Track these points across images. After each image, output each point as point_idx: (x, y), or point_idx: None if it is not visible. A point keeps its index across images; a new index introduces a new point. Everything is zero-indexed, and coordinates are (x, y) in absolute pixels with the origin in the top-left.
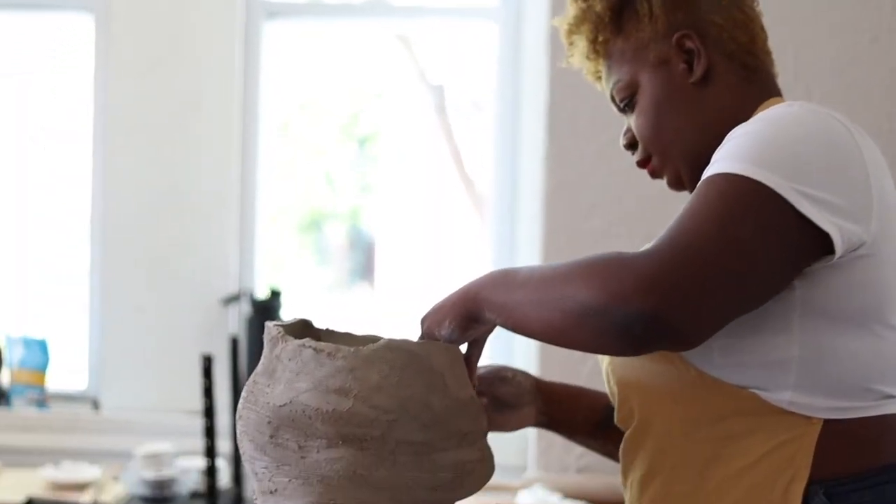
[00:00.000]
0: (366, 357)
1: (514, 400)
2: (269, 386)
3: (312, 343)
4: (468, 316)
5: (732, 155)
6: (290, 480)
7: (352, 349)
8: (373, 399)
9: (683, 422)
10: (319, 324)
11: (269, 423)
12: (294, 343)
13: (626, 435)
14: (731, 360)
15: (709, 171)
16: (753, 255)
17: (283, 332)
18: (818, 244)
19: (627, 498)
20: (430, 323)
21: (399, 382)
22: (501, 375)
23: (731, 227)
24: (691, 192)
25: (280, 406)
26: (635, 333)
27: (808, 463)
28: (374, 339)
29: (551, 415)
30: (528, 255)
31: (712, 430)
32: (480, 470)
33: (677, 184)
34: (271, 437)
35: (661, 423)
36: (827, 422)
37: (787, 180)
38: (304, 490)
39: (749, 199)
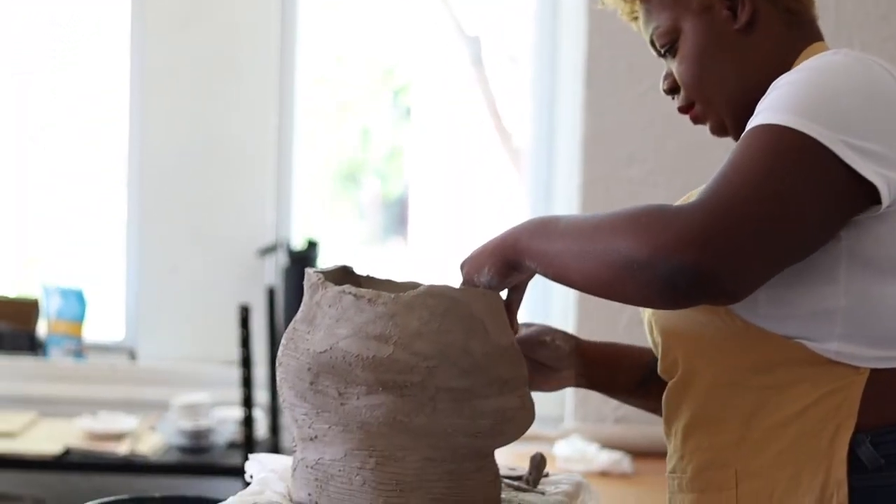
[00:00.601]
0: (406, 303)
1: (553, 363)
2: (309, 332)
3: (352, 289)
4: (507, 263)
5: (777, 105)
6: (329, 427)
7: (392, 295)
8: (413, 345)
9: (728, 372)
10: (359, 270)
11: (308, 369)
12: (334, 289)
13: (669, 385)
14: (777, 310)
15: (753, 122)
16: (798, 207)
17: (322, 279)
18: (864, 194)
19: (670, 447)
20: (470, 269)
21: (439, 328)
22: (541, 339)
23: (776, 180)
24: (735, 139)
25: (320, 352)
26: (679, 288)
27: (855, 412)
28: (414, 286)
29: (591, 377)
30: (566, 206)
31: (758, 379)
32: (521, 417)
33: (721, 130)
34: (311, 383)
35: (706, 374)
36: (873, 371)
37: (832, 130)
38: (344, 436)
39: (793, 150)
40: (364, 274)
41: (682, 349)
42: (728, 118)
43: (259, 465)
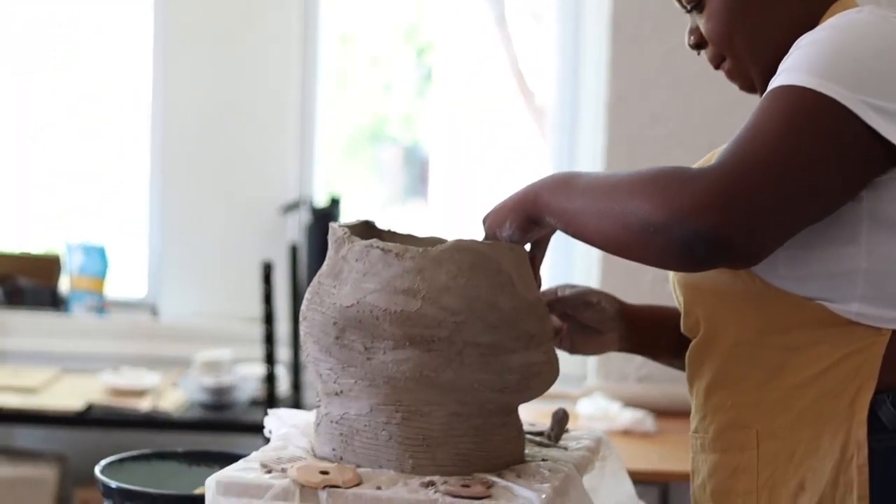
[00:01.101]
0: (434, 257)
1: (598, 325)
2: (335, 287)
3: (380, 243)
4: (528, 218)
5: (797, 66)
6: (355, 382)
7: (420, 249)
8: (441, 300)
9: (749, 332)
10: (381, 225)
11: (334, 323)
12: (361, 243)
13: (692, 344)
14: (797, 271)
15: (774, 83)
16: (816, 168)
17: (348, 233)
18: (885, 155)
19: (693, 407)
20: (492, 223)
21: (467, 283)
22: (586, 300)
23: (794, 142)
24: (762, 96)
25: (347, 307)
26: (696, 251)
27: (875, 373)
28: (436, 241)
29: (634, 339)
30: (589, 166)
31: (778, 340)
32: (547, 372)
33: (749, 88)
34: (337, 338)
35: (727, 334)
36: (895, 332)
37: (852, 91)
38: (370, 391)
39: (813, 112)
40: (385, 228)
41: (703, 308)
42: (756, 75)
43: (278, 421)
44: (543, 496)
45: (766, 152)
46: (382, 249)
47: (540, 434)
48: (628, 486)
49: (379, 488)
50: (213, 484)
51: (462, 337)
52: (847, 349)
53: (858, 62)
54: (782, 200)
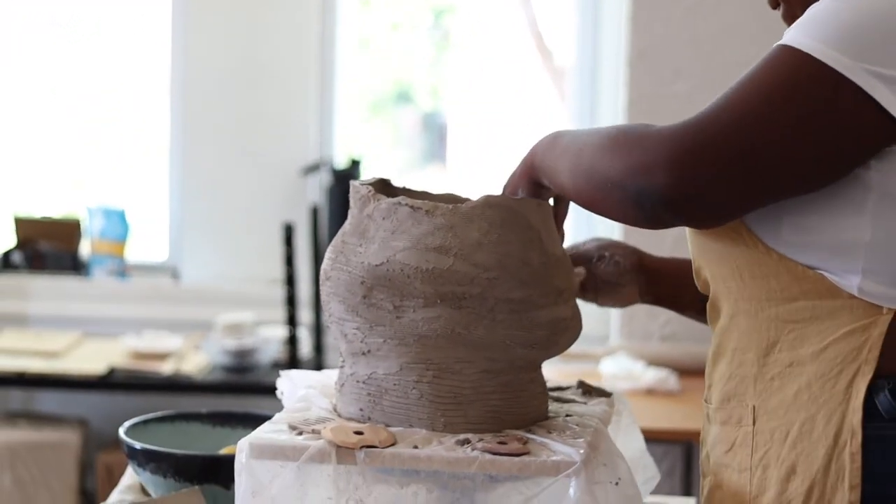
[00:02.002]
0: (465, 214)
1: (614, 279)
2: (360, 245)
3: (408, 200)
4: (533, 182)
5: (804, 26)
6: (384, 341)
7: (450, 206)
8: (473, 257)
9: (748, 299)
10: (397, 183)
11: (362, 283)
12: (388, 201)
13: (707, 303)
14: (800, 237)
15: (782, 40)
16: (792, 138)
17: (373, 191)
18: (889, 127)
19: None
20: (508, 192)
21: (499, 239)
22: (600, 254)
23: (772, 108)
24: None
25: (376, 265)
26: (646, 208)
27: (875, 356)
28: (451, 198)
29: (656, 293)
30: (610, 124)
31: (777, 311)
32: (573, 328)
33: (788, 19)
34: (364, 297)
35: (728, 298)
36: None
37: (856, 59)
38: (400, 350)
39: (805, 79)
40: (400, 186)
41: (708, 269)
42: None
43: (290, 383)
44: (581, 451)
45: (735, 115)
46: (411, 207)
47: (557, 390)
48: (640, 442)
49: (416, 447)
50: (245, 447)
51: (494, 293)
52: (847, 327)
53: (872, 27)
54: (740, 165)
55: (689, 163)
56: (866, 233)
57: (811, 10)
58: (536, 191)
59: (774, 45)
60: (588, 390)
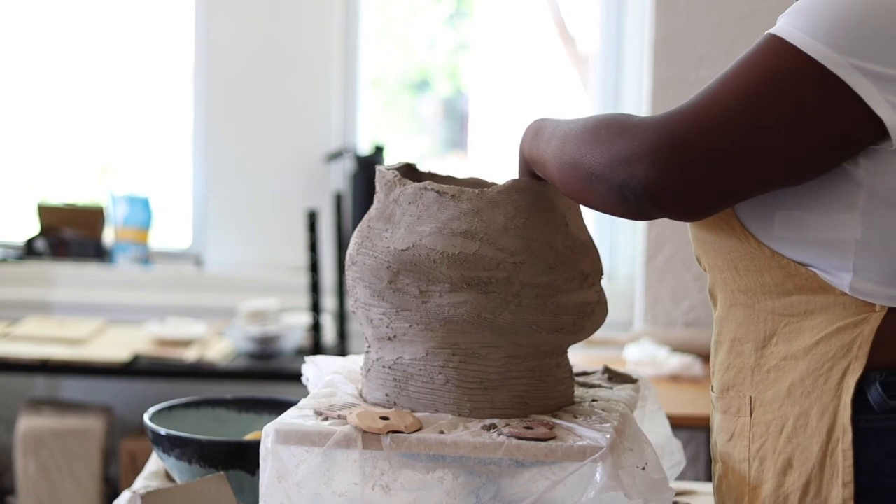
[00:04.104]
0: (491, 198)
1: None
2: (387, 230)
3: (434, 185)
4: (530, 173)
5: (794, 15)
6: (410, 326)
7: (476, 191)
8: (499, 241)
9: (744, 292)
10: (421, 167)
11: (388, 267)
12: (414, 186)
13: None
14: (791, 233)
15: (773, 28)
16: (774, 132)
17: (398, 175)
18: (876, 125)
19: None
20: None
21: (525, 223)
22: None
23: (762, 101)
24: None
25: (402, 250)
26: (629, 201)
27: (866, 351)
28: (476, 182)
29: None
30: (635, 110)
31: (773, 304)
32: (599, 312)
33: None
34: (390, 282)
35: (725, 289)
36: (890, 310)
37: (843, 54)
38: (426, 335)
39: (789, 72)
40: (426, 171)
41: (706, 259)
42: None
43: (316, 369)
44: (608, 436)
45: (720, 107)
46: (437, 191)
47: (582, 375)
48: (666, 427)
49: (442, 432)
50: (271, 432)
51: (520, 278)
52: (840, 322)
53: (862, 20)
54: (724, 158)
55: (672, 156)
56: (857, 231)
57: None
58: (535, 178)
59: (766, 32)
60: (613, 376)
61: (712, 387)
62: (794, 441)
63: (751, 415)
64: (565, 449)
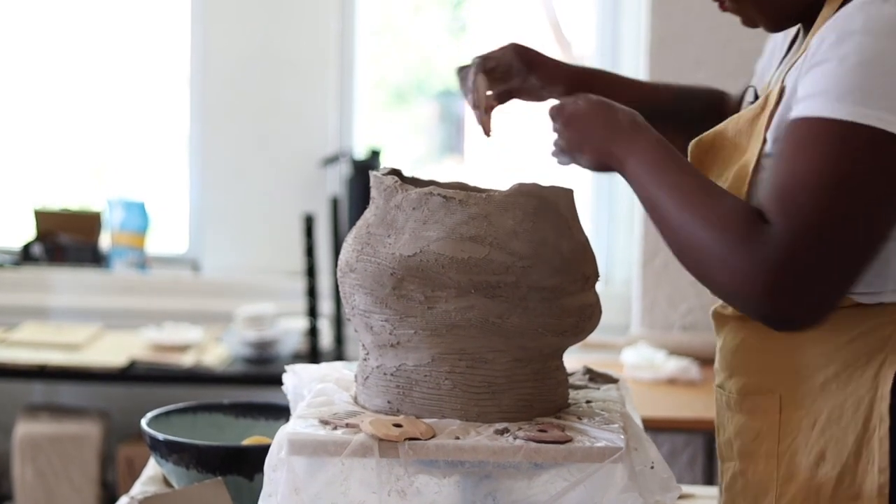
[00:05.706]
0: (499, 203)
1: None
2: (389, 236)
3: (440, 190)
4: (603, 166)
5: (831, 90)
6: (415, 332)
7: (483, 195)
8: (509, 245)
9: None
10: (406, 173)
11: (392, 274)
12: (418, 191)
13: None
14: None
15: (806, 110)
16: (872, 214)
17: (400, 181)
18: None
19: (718, 357)
20: (570, 145)
21: (533, 227)
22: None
23: (845, 194)
24: (768, 29)
25: (408, 256)
26: (755, 316)
27: None
28: (461, 186)
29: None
30: None
31: None
32: (597, 313)
33: (751, 23)
34: (394, 288)
35: None
36: None
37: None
38: (431, 341)
39: (862, 150)
40: (410, 176)
41: None
42: (755, 11)
43: (296, 377)
44: (623, 437)
45: (820, 217)
46: (444, 196)
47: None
48: (640, 424)
49: (457, 438)
50: (284, 443)
51: (527, 282)
52: (875, 321)
53: (879, 75)
54: (845, 262)
55: (801, 284)
56: (893, 257)
57: (830, 68)
58: (601, 170)
59: (807, 114)
60: (595, 376)
61: (724, 388)
62: (828, 433)
63: (780, 413)
64: (584, 451)
